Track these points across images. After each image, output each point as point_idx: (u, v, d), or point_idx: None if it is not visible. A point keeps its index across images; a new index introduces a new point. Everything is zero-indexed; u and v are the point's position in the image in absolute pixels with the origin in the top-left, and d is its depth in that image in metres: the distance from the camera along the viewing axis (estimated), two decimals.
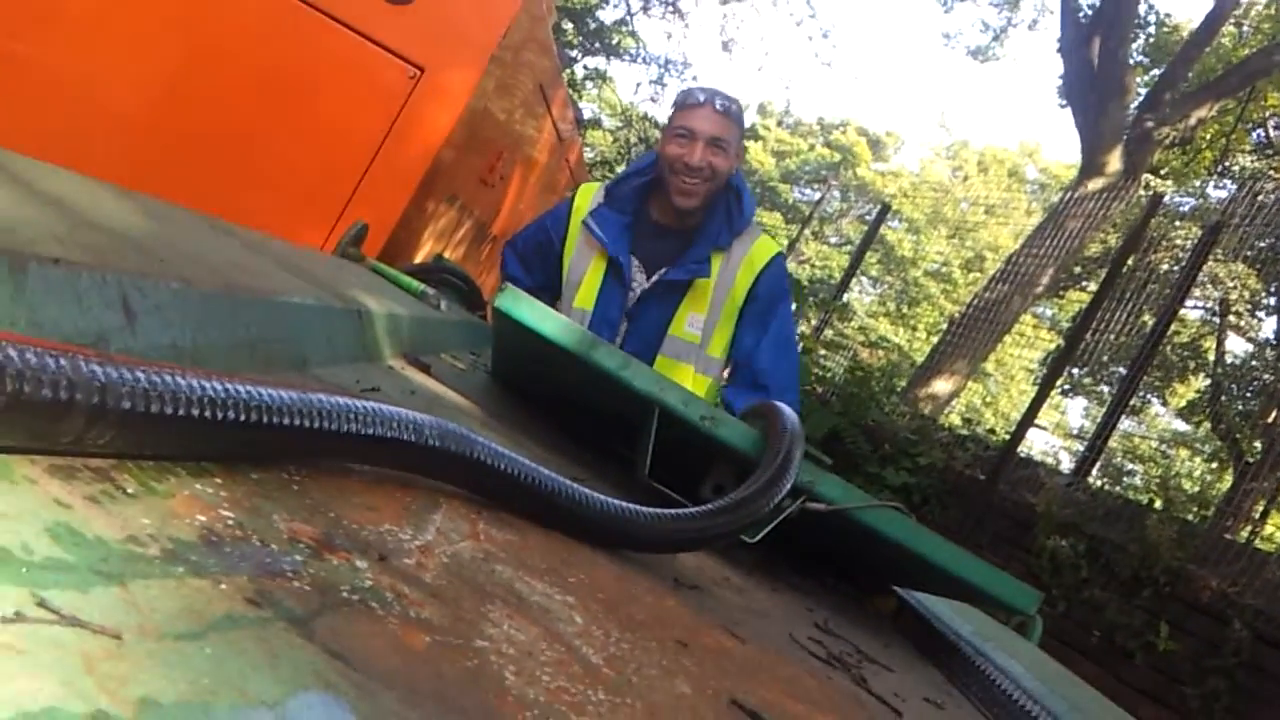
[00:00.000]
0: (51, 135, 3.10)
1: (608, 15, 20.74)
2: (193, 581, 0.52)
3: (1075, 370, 12.90)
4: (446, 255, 4.29)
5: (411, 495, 0.92)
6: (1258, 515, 10.67)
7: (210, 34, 3.34)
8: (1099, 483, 8.45)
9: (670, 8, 21.32)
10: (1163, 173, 16.37)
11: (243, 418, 0.67)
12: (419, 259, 4.03)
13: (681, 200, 2.91)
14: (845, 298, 11.97)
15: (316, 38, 3.39)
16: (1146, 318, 8.65)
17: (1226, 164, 17.21)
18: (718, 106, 2.91)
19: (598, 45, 20.46)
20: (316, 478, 0.81)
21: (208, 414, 0.64)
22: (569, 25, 19.13)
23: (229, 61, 3.36)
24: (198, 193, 3.12)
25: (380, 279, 2.51)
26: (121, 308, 0.78)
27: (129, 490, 0.59)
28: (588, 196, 3.05)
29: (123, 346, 0.78)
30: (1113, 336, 8.64)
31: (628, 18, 20.89)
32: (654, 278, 2.98)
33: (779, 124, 37.40)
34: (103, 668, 0.41)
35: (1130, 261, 8.49)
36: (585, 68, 20.51)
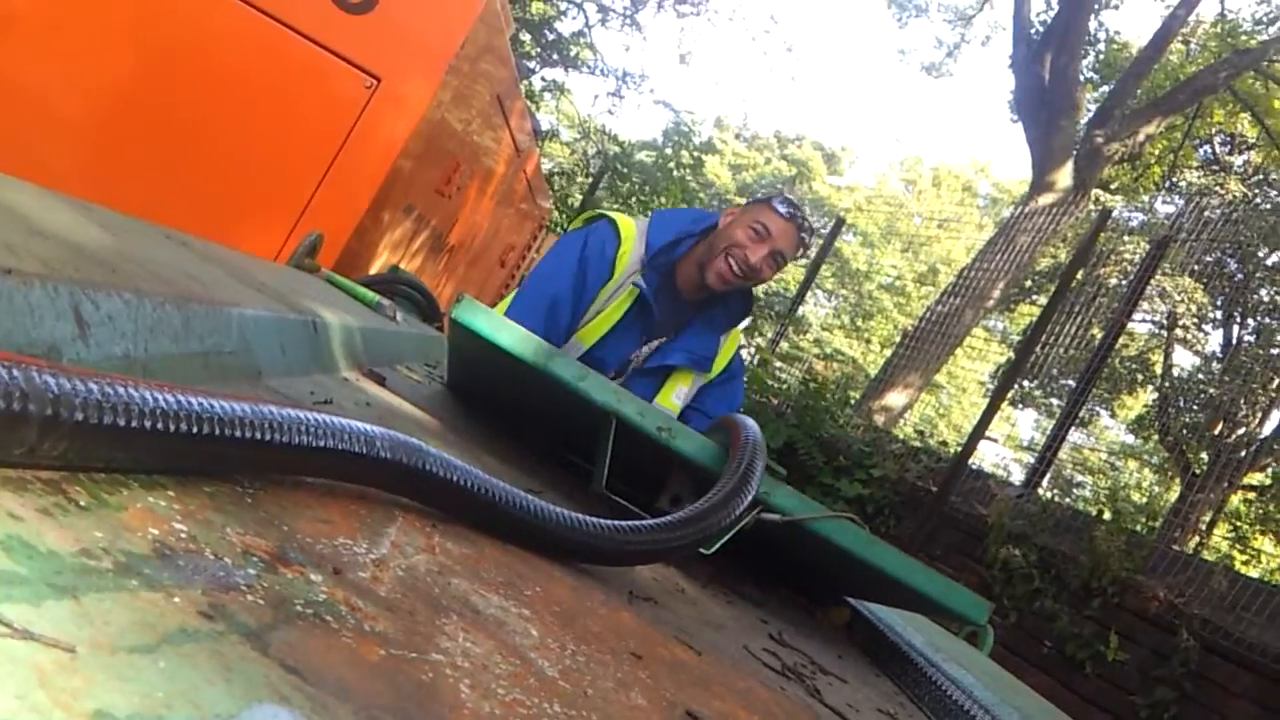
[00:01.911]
0: (3, 143, 3.06)
1: (566, 27, 20.75)
2: (146, 595, 0.52)
3: (1025, 383, 13.07)
4: (402, 266, 4.28)
5: (366, 508, 0.92)
6: (1204, 526, 10.86)
7: (165, 43, 3.31)
8: (1049, 494, 8.55)
9: (628, 20, 21.39)
10: (1112, 188, 16.66)
11: (196, 430, 0.67)
12: (374, 270, 4.02)
13: (715, 282, 2.84)
14: (800, 310, 12.05)
15: (272, 47, 3.37)
16: (1095, 331, 8.79)
17: (1174, 179, 17.55)
18: (800, 229, 2.86)
19: (556, 57, 20.45)
20: (270, 491, 0.81)
21: (161, 426, 0.63)
22: (527, 36, 19.11)
23: (184, 70, 3.34)
24: (151, 202, 3.09)
25: (335, 290, 2.50)
26: (74, 318, 0.78)
27: (81, 503, 0.59)
28: (631, 241, 2.87)
29: (75, 357, 0.77)
30: (1062, 350, 8.76)
31: (586, 30, 20.92)
32: (660, 356, 2.92)
33: (736, 137, 37.63)
34: (56, 681, 0.40)
35: (1079, 275, 8.63)
36: (543, 79, 20.48)
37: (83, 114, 3.24)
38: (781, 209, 2.85)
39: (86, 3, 3.21)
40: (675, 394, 2.94)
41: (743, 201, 3.10)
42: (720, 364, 3.04)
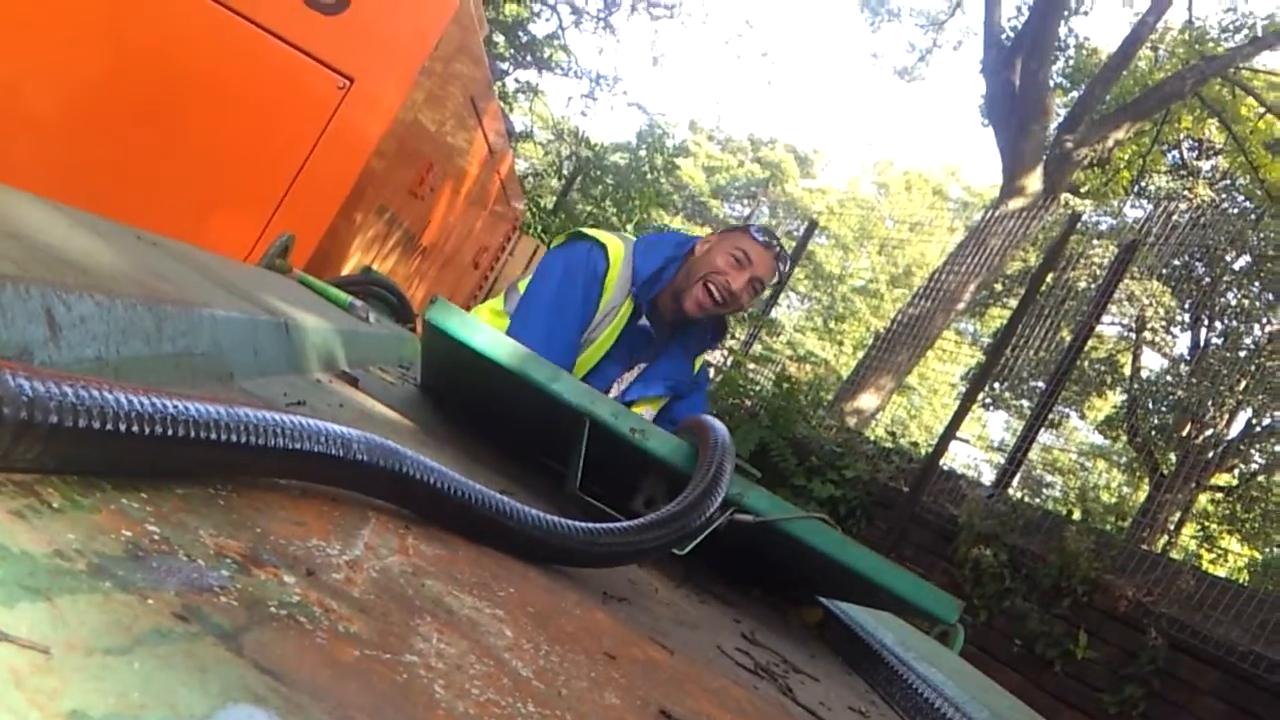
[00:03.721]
0: None
1: (539, 29, 20.72)
2: (120, 596, 0.52)
3: (996, 384, 13.16)
4: (375, 267, 4.26)
5: (340, 510, 0.92)
6: (1172, 526, 10.98)
7: (136, 42, 3.29)
8: (1019, 494, 8.62)
9: (601, 22, 21.39)
10: (1082, 192, 16.80)
11: (171, 433, 0.67)
12: (347, 271, 4.00)
13: (693, 309, 2.82)
14: (773, 313, 12.08)
15: (245, 47, 3.35)
16: (1065, 334, 8.86)
17: (1143, 184, 17.73)
18: (777, 256, 2.87)
19: (529, 58, 20.41)
20: (243, 492, 0.81)
21: (136, 429, 0.63)
22: (500, 38, 19.07)
23: (156, 70, 3.31)
24: (123, 203, 3.07)
25: (307, 291, 2.49)
26: (45, 320, 0.77)
27: (54, 505, 0.59)
28: (618, 265, 2.82)
29: (46, 359, 0.77)
30: (1032, 352, 8.83)
31: (559, 31, 20.91)
32: (642, 386, 2.91)
33: (710, 139, 37.69)
34: (31, 682, 0.40)
35: (1049, 279, 8.69)
36: (517, 80, 20.44)
37: (53, 114, 3.22)
38: (759, 236, 2.86)
39: (58, 1, 3.18)
40: (643, 414, 2.93)
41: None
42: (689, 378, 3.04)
